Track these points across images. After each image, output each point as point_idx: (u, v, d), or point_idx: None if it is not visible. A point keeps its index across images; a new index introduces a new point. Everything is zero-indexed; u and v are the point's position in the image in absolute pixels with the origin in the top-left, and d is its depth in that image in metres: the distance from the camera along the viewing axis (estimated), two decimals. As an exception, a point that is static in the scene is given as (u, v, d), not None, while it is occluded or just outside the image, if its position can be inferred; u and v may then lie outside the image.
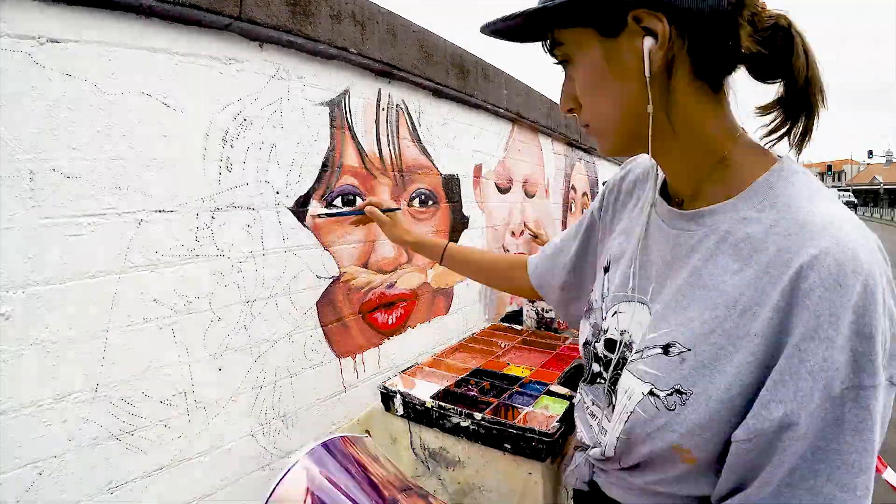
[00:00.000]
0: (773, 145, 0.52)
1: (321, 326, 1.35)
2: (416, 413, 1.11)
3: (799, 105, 0.49)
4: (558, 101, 0.59)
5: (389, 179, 1.58)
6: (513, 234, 2.50)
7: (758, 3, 0.49)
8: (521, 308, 2.22)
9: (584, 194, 3.70)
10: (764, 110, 0.50)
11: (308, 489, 0.78)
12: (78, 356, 0.86)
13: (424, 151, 1.75)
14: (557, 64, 0.58)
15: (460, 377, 1.24)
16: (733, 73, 0.52)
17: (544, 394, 1.18)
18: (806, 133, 0.50)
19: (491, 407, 1.08)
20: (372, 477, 0.83)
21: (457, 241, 1.97)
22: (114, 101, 0.89)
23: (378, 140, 1.53)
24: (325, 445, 0.85)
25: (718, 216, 0.52)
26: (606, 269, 0.67)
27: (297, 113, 1.25)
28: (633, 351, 0.57)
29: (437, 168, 1.82)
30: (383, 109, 1.55)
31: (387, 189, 1.57)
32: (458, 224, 1.98)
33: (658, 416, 0.51)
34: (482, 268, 1.02)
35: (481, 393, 1.18)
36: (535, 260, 0.89)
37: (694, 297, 0.51)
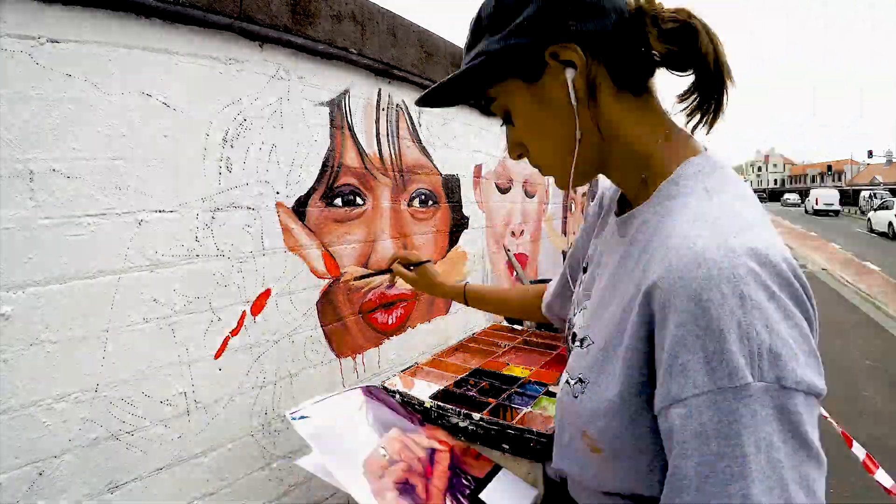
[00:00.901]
0: (697, 129, 0.54)
1: (321, 326, 1.35)
2: (415, 413, 1.11)
3: (712, 87, 0.51)
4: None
5: (389, 179, 1.58)
6: (513, 233, 2.50)
7: (656, 6, 0.51)
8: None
9: (584, 194, 3.70)
10: (682, 97, 0.53)
11: (365, 400, 0.99)
12: (78, 356, 0.86)
13: (424, 151, 1.75)
14: (499, 118, 0.61)
15: (460, 377, 1.25)
16: (654, 75, 0.55)
17: (543, 394, 1.18)
18: (717, 111, 0.52)
19: (489, 407, 1.08)
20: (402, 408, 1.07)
21: (457, 241, 1.97)
22: (114, 101, 0.89)
23: (378, 140, 1.53)
24: (364, 388, 1.05)
25: (631, 220, 0.56)
26: (585, 269, 0.70)
27: (297, 113, 1.25)
28: None
29: (437, 168, 1.82)
30: (383, 109, 1.55)
31: (387, 189, 1.57)
32: (458, 224, 1.98)
33: (568, 404, 0.55)
34: (506, 302, 1.10)
35: (480, 393, 1.18)
36: (547, 299, 0.91)
37: (612, 297, 0.54)
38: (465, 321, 2.03)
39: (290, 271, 1.25)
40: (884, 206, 15.81)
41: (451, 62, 1.80)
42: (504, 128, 0.62)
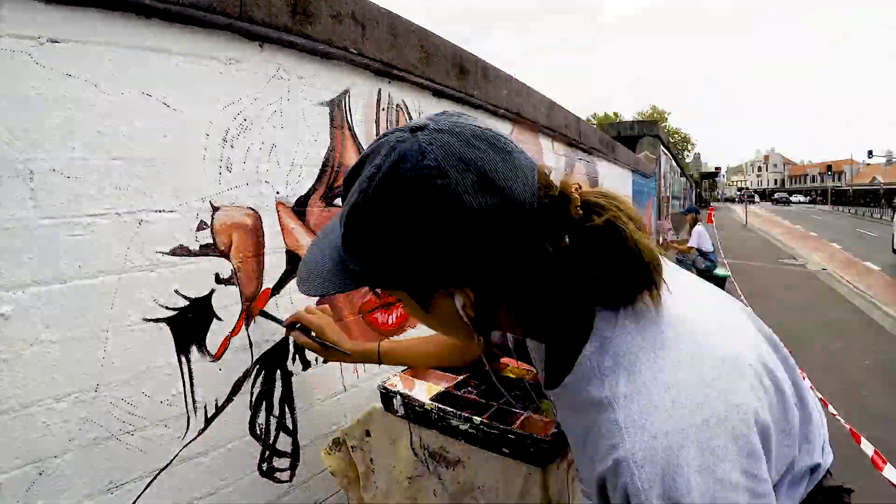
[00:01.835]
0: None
1: (321, 326, 1.35)
2: (415, 414, 1.11)
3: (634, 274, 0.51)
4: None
5: (389, 179, 1.58)
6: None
7: (574, 192, 0.50)
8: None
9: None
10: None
11: None
12: (78, 356, 0.86)
13: (424, 151, 1.75)
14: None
15: (460, 378, 1.24)
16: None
17: (544, 397, 1.18)
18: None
19: (490, 411, 1.08)
20: None
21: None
22: (114, 101, 0.89)
23: (378, 140, 1.52)
24: None
25: (564, 392, 0.56)
26: None
27: (297, 113, 1.25)
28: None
29: (437, 168, 1.81)
30: (383, 109, 1.55)
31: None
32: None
33: None
34: (416, 358, 1.10)
35: (480, 395, 1.18)
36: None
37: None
38: (465, 321, 2.02)
39: (290, 271, 1.24)
40: None
41: (451, 62, 1.80)
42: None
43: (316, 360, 1.32)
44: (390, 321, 1.62)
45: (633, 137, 8.70)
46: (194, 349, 1.04)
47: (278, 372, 1.23)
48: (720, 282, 5.53)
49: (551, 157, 2.98)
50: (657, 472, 0.43)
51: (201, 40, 1.02)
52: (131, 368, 0.93)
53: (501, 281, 0.50)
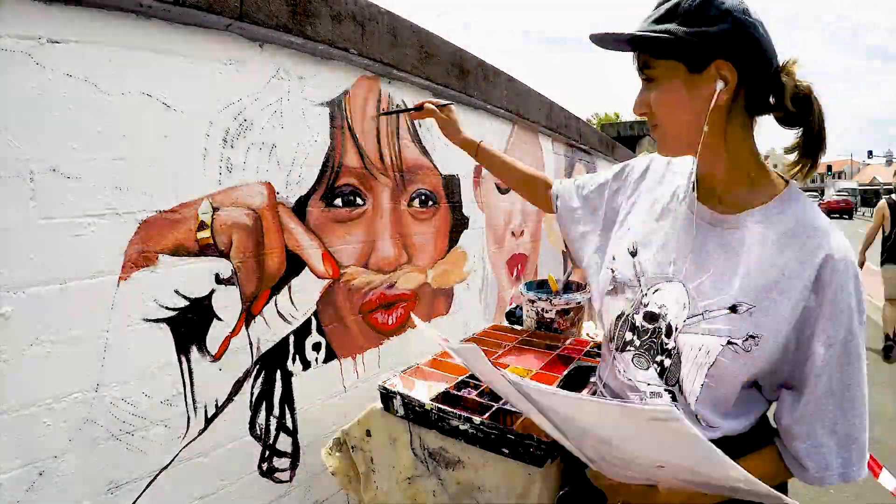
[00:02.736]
0: (796, 174, 0.73)
1: (321, 327, 1.35)
2: (415, 414, 1.11)
3: (813, 149, 0.70)
4: (633, 103, 0.75)
5: (389, 180, 1.58)
6: (513, 234, 2.50)
7: (794, 74, 0.69)
8: (518, 307, 2.22)
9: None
10: (788, 150, 0.72)
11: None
12: (78, 356, 0.86)
13: (424, 152, 1.75)
14: (642, 77, 0.74)
15: (460, 378, 1.24)
16: (763, 116, 0.73)
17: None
18: (813, 167, 0.72)
19: (490, 411, 1.08)
20: None
21: (457, 241, 1.97)
22: (114, 101, 0.89)
23: (378, 140, 1.53)
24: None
25: (756, 217, 0.72)
26: (633, 253, 0.81)
27: (297, 113, 1.25)
28: (687, 317, 0.73)
29: (437, 168, 1.82)
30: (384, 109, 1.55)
31: (387, 189, 1.57)
32: (458, 224, 1.98)
33: (738, 359, 0.68)
34: (511, 172, 1.20)
35: (480, 395, 1.18)
36: (560, 193, 1.05)
37: (748, 272, 0.70)
38: (464, 322, 2.03)
39: (290, 271, 1.24)
40: None
41: (451, 62, 1.80)
42: (640, 85, 0.75)
43: (316, 360, 1.33)
44: (390, 321, 1.62)
45: (633, 137, 8.70)
46: (194, 349, 1.04)
47: (278, 372, 1.23)
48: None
49: (551, 157, 2.98)
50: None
51: (201, 40, 1.02)
52: (131, 368, 0.93)
53: (757, 85, 0.68)
